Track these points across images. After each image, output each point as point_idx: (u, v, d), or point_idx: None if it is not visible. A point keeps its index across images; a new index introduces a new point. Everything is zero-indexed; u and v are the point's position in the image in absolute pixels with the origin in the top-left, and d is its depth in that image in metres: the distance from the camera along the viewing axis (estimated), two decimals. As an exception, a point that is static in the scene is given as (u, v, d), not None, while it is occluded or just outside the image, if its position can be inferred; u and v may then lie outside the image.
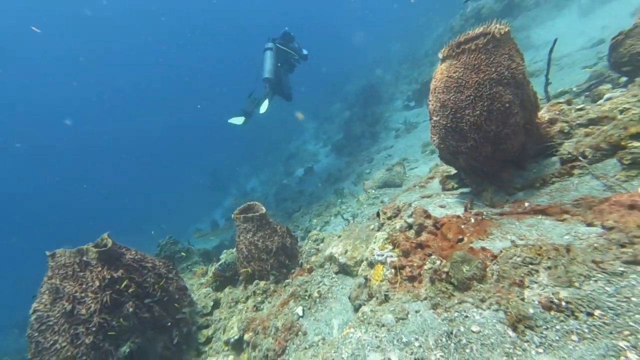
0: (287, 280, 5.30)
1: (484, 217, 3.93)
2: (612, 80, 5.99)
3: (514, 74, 3.40)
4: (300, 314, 4.36)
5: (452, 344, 2.49)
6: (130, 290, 4.21)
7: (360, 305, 3.93)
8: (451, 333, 2.58)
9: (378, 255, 4.02)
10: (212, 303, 5.51)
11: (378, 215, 4.78)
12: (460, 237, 3.74)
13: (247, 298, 5.34)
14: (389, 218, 5.06)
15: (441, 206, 4.85)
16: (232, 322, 4.65)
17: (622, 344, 1.86)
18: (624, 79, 5.91)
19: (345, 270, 4.80)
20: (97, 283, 4.02)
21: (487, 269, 2.98)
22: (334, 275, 4.89)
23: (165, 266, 5.37)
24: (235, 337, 4.38)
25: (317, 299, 4.50)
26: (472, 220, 3.98)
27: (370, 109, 22.48)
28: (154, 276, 4.76)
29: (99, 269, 4.18)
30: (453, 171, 5.41)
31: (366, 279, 4.08)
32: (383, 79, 28.01)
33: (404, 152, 14.89)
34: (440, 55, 3.81)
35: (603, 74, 6.39)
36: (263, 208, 5.96)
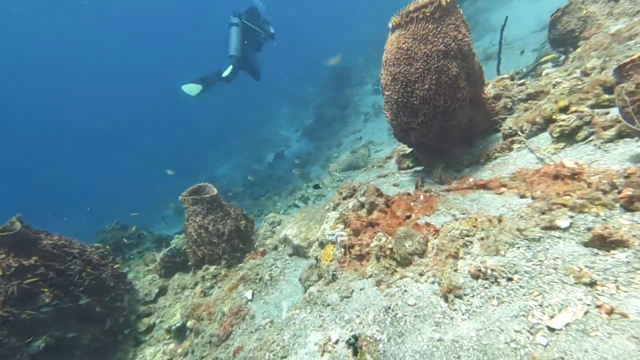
0: (240, 265, 5.18)
1: (432, 194, 3.98)
2: (553, 59, 6.21)
3: (460, 45, 3.38)
4: (250, 297, 4.27)
5: (389, 318, 2.50)
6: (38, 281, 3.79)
7: (310, 287, 3.90)
8: (389, 308, 2.59)
9: (329, 235, 3.98)
10: (157, 290, 5.25)
11: (316, 187, 4.73)
12: (409, 214, 3.77)
13: (196, 284, 5.16)
14: (345, 198, 5.03)
15: (395, 185, 4.88)
16: (175, 309, 4.48)
17: (531, 303, 1.92)
18: (563, 57, 6.13)
19: (298, 252, 4.75)
20: (-1, 272, 3.64)
21: (429, 244, 3.02)
22: (287, 258, 4.82)
23: (97, 252, 5.03)
24: (178, 325, 4.22)
25: (268, 282, 4.42)
26: (421, 197, 4.03)
27: (341, 92, 22.31)
28: (81, 263, 4.41)
29: (3, 256, 3.79)
30: (408, 150, 5.45)
31: (317, 259, 4.05)
32: (355, 62, 27.77)
33: (371, 135, 14.99)
34: (390, 25, 3.71)
35: (548, 54, 6.63)
36: (214, 189, 5.71)
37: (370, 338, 2.38)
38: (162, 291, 5.36)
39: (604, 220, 2.15)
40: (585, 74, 3.73)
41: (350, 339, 2.47)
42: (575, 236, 2.17)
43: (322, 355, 2.56)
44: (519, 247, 2.34)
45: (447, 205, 3.61)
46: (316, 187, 5.36)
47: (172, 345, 4.09)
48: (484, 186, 3.60)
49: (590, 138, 3.26)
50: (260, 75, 12.93)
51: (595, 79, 3.47)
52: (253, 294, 4.39)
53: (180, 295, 5.14)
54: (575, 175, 2.83)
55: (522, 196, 3.23)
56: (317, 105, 23.00)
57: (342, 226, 4.07)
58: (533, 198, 3.06)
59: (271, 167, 20.25)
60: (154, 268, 6.00)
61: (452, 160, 4.40)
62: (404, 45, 3.42)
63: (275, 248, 5.15)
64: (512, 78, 4.51)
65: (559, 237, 2.23)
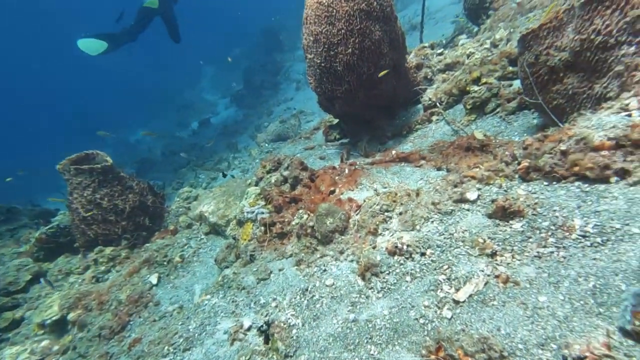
0: (146, 245, 4.57)
1: (356, 167, 3.90)
2: (468, 31, 6.52)
3: (382, 5, 3.17)
4: (154, 282, 3.79)
5: (305, 301, 2.35)
6: None
7: (227, 267, 3.60)
8: (306, 290, 2.44)
9: (248, 213, 3.66)
10: (28, 277, 4.31)
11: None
12: (333, 188, 3.63)
13: (86, 268, 4.43)
14: (269, 171, 4.70)
15: (321, 158, 4.71)
16: (52, 299, 3.73)
17: (441, 277, 1.94)
18: (476, 29, 6.47)
19: (216, 230, 4.36)
20: None
21: (350, 220, 2.91)
22: (202, 237, 4.39)
23: None
24: (55, 318, 3.51)
25: (179, 264, 3.97)
26: (346, 170, 3.92)
27: (271, 57, 21.03)
28: None
29: None
30: (335, 121, 5.28)
31: (235, 239, 3.73)
32: (285, 25, 26.23)
33: (303, 104, 14.55)
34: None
35: (463, 26, 6.93)
36: (109, 159, 4.82)
37: (284, 323, 2.22)
38: (37, 278, 4.38)
39: (505, 191, 2.24)
40: (494, 45, 3.90)
41: (262, 325, 2.28)
42: (482, 208, 2.23)
43: (231, 344, 2.33)
44: (433, 221, 2.35)
45: (371, 179, 3.57)
46: (224, 175, 4.88)
47: (45, 343, 3.37)
48: (405, 159, 3.62)
49: (497, 110, 3.43)
50: (179, 36, 11.09)
51: (502, 51, 3.62)
52: (159, 277, 3.90)
53: (64, 282, 4.30)
54: (484, 147, 2.95)
55: (439, 168, 3.31)
56: (245, 69, 21.40)
57: (263, 202, 3.78)
58: (448, 170, 3.15)
59: (196, 135, 18.56)
60: (26, 250, 4.89)
61: (377, 131, 4.35)
62: (324, 1, 3.06)
63: (190, 226, 4.65)
64: (432, 47, 4.54)
65: (468, 210, 2.27)
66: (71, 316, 3.57)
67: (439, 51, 4.34)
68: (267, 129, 10.52)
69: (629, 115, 1.94)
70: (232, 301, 2.78)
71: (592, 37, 2.29)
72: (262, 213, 3.61)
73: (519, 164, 2.33)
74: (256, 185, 4.53)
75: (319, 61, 3.40)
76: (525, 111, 3.19)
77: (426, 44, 4.47)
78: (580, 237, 1.63)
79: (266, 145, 9.85)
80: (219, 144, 13.68)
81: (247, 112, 17.30)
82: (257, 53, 23.38)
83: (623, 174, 1.79)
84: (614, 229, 1.55)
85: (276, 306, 2.49)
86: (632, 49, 2.15)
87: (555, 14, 2.54)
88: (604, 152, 1.88)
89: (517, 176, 2.31)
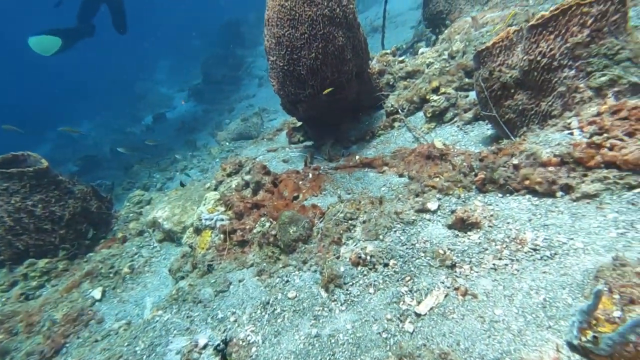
0: (89, 255, 4.15)
1: (320, 172, 3.86)
2: (427, 39, 6.78)
3: (345, 12, 3.15)
4: (98, 297, 3.44)
5: (266, 315, 2.26)
6: None
7: (182, 279, 3.37)
8: (268, 303, 2.34)
9: (206, 220, 3.46)
10: None
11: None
12: (297, 194, 3.56)
13: (12, 284, 3.94)
14: (229, 175, 4.50)
15: (284, 161, 4.60)
16: None
17: (403, 289, 1.96)
18: (433, 38, 6.75)
19: (171, 237, 4.07)
20: None
21: (314, 228, 2.86)
22: (156, 245, 4.08)
23: None
24: None
25: (128, 276, 3.65)
26: (310, 175, 3.87)
27: (232, 51, 20.31)
28: None
29: None
30: (299, 123, 5.20)
31: (192, 247, 3.51)
32: (246, 19, 25.48)
33: (266, 102, 14.24)
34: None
35: (422, 33, 7.20)
36: (43, 161, 4.30)
37: (243, 341, 2.11)
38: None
39: (464, 202, 2.32)
40: (452, 56, 4.07)
41: (219, 344, 2.14)
42: (442, 218, 2.29)
43: (185, 367, 2.17)
44: (396, 231, 2.37)
45: (334, 185, 3.54)
46: (182, 185, 4.58)
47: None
48: (369, 164, 3.64)
49: (455, 119, 3.58)
50: (126, 26, 10.01)
51: (458, 63, 3.79)
52: (104, 292, 3.55)
53: None
54: (443, 156, 3.06)
55: (401, 175, 3.38)
56: (204, 62, 20.45)
57: (222, 209, 3.59)
58: (409, 177, 3.22)
59: (150, 131, 17.38)
60: None
61: (340, 135, 4.35)
62: (287, 4, 2.97)
63: (141, 233, 4.30)
64: (394, 54, 4.64)
65: (429, 220, 2.32)
66: (-9, 342, 3.11)
67: (401, 58, 4.44)
68: (228, 127, 10.13)
69: (571, 134, 2.10)
70: (187, 316, 2.60)
71: (539, 58, 2.45)
72: (222, 220, 3.43)
73: (475, 175, 2.42)
74: (215, 189, 4.30)
75: (281, 64, 3.29)
76: (480, 122, 3.36)
77: (388, 51, 4.55)
78: (531, 250, 1.72)
79: (227, 144, 9.48)
80: (177, 141, 12.93)
81: (206, 108, 16.56)
82: (217, 46, 22.48)
83: (567, 189, 1.93)
84: (561, 242, 1.66)
85: (235, 321, 2.36)
86: (572, 72, 2.33)
87: (507, 34, 2.68)
88: (551, 168, 2.01)
89: (474, 187, 2.40)
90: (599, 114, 2.07)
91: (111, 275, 3.69)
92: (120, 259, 3.90)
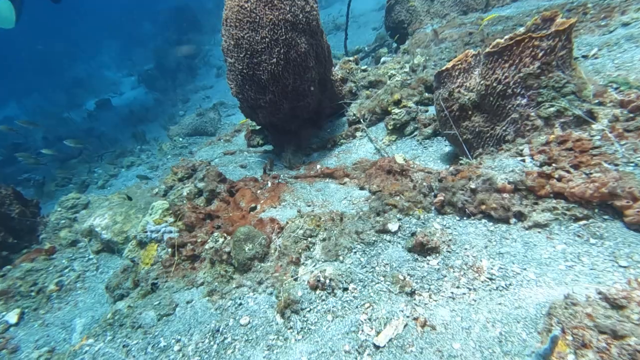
0: (6, 267, 3.56)
1: (280, 180, 3.70)
2: (389, 45, 6.89)
3: (308, 19, 3.01)
4: (13, 321, 2.96)
5: (215, 345, 2.07)
6: None
7: (121, 296, 3.03)
8: (217, 331, 2.16)
9: (152, 232, 3.13)
10: None
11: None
12: (254, 205, 3.36)
13: None
14: (181, 179, 4.15)
15: (242, 166, 4.35)
16: None
17: (362, 317, 1.91)
18: (394, 43, 6.87)
19: (111, 248, 3.65)
20: None
21: (272, 245, 2.70)
22: (92, 256, 3.63)
23: None
24: None
25: (54, 294, 3.19)
26: (269, 183, 3.69)
27: (188, 37, 19.11)
28: None
29: None
30: (259, 126, 4.97)
31: (134, 261, 3.16)
32: (203, 5, 24.04)
33: (224, 94, 13.60)
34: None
35: (384, 37, 7.30)
36: None
37: (190, 378, 1.91)
38: None
39: (423, 223, 2.33)
40: (413, 69, 4.14)
41: (163, 383, 1.92)
42: (402, 240, 2.27)
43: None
44: (356, 252, 2.31)
45: (295, 195, 3.41)
46: (129, 199, 4.11)
47: None
48: (330, 175, 3.57)
49: (415, 133, 3.63)
50: None
51: (419, 77, 3.85)
52: (22, 314, 3.08)
53: None
54: (403, 172, 3.07)
55: (362, 188, 3.34)
56: (156, 48, 18.98)
57: (171, 219, 3.28)
58: (370, 191, 3.20)
59: (92, 119, 15.74)
60: None
61: (301, 142, 4.22)
62: (246, 5, 2.76)
63: (74, 243, 3.80)
64: (356, 62, 4.60)
65: (389, 241, 2.29)
66: None
67: (363, 67, 4.42)
68: (181, 121, 9.45)
69: (523, 161, 2.18)
70: (123, 345, 2.32)
71: (494, 84, 2.53)
72: (170, 232, 3.13)
73: (435, 196, 2.44)
74: (165, 195, 3.95)
75: (240, 67, 3.07)
76: (438, 137, 3.43)
77: (351, 59, 4.51)
78: (488, 280, 1.75)
79: (180, 139, 8.84)
80: (123, 132, 11.83)
81: (158, 97, 15.40)
82: (170, 31, 21.01)
83: (520, 216, 2.00)
84: (515, 272, 1.71)
85: (179, 351, 2.14)
86: (525, 100, 2.44)
87: (465, 56, 2.74)
88: (505, 195, 2.07)
89: (433, 208, 2.42)
90: (547, 143, 2.18)
91: (32, 294, 3.20)
92: (45, 274, 3.40)
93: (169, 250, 3.02)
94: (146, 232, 3.14)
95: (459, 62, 2.73)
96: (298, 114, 3.74)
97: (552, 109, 2.32)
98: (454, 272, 1.90)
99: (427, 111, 3.62)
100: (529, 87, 2.41)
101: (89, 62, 25.39)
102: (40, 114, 19.79)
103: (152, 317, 2.47)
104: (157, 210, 3.32)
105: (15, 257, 3.83)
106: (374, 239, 2.35)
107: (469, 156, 2.78)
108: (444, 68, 2.78)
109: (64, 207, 4.28)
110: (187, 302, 2.54)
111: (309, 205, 3.26)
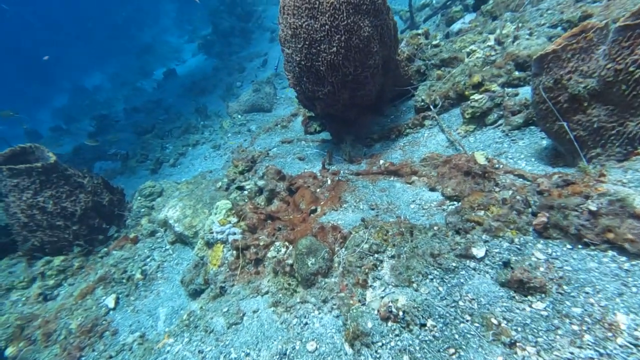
0: (103, 250, 4.04)
1: (340, 177, 3.46)
2: (464, 4, 5.77)
3: (374, -4, 2.52)
4: (112, 305, 3.36)
5: (285, 370, 2.06)
6: None
7: (195, 291, 3.22)
8: (285, 354, 2.13)
9: (217, 233, 3.20)
10: None
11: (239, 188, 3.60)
12: (314, 207, 3.21)
13: (32, 281, 3.83)
14: (242, 172, 4.16)
15: (300, 158, 4.17)
16: None
17: (447, 366, 1.67)
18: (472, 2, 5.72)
19: (183, 240, 3.89)
20: None
21: (335, 257, 2.56)
22: (168, 247, 3.91)
23: None
24: None
25: (141, 282, 3.53)
26: (329, 181, 3.48)
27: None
28: None
29: None
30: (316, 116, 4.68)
31: (203, 260, 3.31)
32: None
33: (279, 62, 13.32)
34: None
35: None
36: (51, 155, 4.05)
37: (262, 402, 1.93)
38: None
39: (519, 249, 1.94)
40: (499, 42, 3.37)
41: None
42: (491, 269, 1.93)
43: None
44: (432, 279, 2.04)
45: (356, 196, 3.17)
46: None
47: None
48: (395, 172, 3.22)
49: (500, 122, 3.04)
50: None
51: (508, 53, 3.13)
52: (117, 299, 3.47)
53: (3, 300, 3.67)
54: (486, 174, 2.60)
55: (433, 189, 2.96)
56: (212, 10, 18.90)
57: (234, 219, 3.31)
58: (444, 195, 2.81)
59: (161, 90, 16.76)
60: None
61: (361, 131, 3.86)
62: (306, -13, 2.37)
63: (153, 234, 4.13)
64: (426, 35, 3.91)
65: (474, 269, 1.97)
66: (10, 351, 3.12)
67: (435, 42, 3.73)
68: (239, 98, 9.53)
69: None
70: (199, 351, 2.45)
71: (631, 69, 1.88)
72: (234, 234, 3.17)
73: (534, 215, 2.01)
74: (227, 189, 4.01)
75: (298, 59, 2.76)
76: (532, 128, 2.82)
77: (420, 32, 3.83)
78: (629, 345, 1.36)
79: (239, 117, 8.98)
80: (187, 104, 12.41)
81: (216, 65, 15.64)
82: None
83: (667, 263, 1.51)
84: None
85: (250, 365, 2.19)
86: (683, 88, 1.77)
87: (582, 31, 2.07)
88: (645, 228, 1.57)
89: (531, 230, 2.00)
90: None
91: (124, 280, 3.59)
92: (132, 262, 3.77)
93: (234, 252, 3.07)
94: (212, 232, 3.23)
95: (572, 40, 2.09)
96: (358, 102, 3.37)
97: None
98: (571, 324, 1.54)
99: (517, 95, 2.97)
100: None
101: (151, 26, 26.46)
102: (120, 81, 21.65)
103: (222, 324, 2.56)
104: (221, 210, 3.38)
105: (108, 241, 4.32)
106: (454, 264, 2.05)
107: (583, 158, 2.21)
108: (549, 50, 2.16)
109: (142, 195, 4.66)
110: (254, 312, 2.58)
111: (373, 209, 3.01)
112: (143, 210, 4.54)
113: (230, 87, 13.15)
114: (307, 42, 2.62)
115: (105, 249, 4.26)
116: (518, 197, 2.14)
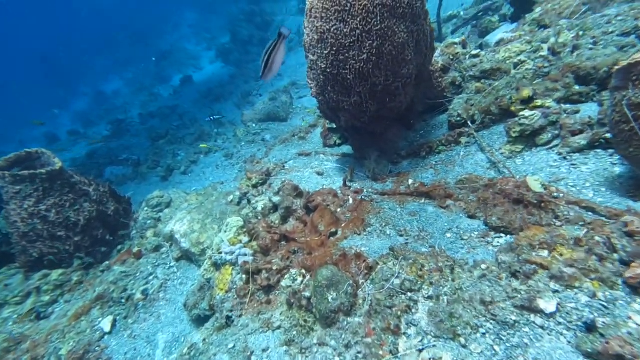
0: (105, 263, 3.77)
1: (363, 196, 3.11)
2: (497, 9, 5.40)
3: (411, 0, 2.20)
4: (107, 329, 3.04)
5: None
6: None
7: (198, 317, 2.89)
8: (299, 415, 1.77)
9: (227, 254, 2.88)
10: None
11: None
12: (334, 229, 2.86)
13: (26, 296, 3.57)
14: (255, 186, 3.86)
15: (319, 173, 3.84)
16: None
17: None
18: (507, 7, 5.32)
19: (189, 257, 3.58)
20: None
21: (359, 292, 2.20)
22: (173, 263, 3.61)
23: None
24: None
25: (141, 303, 3.22)
26: (350, 200, 3.14)
27: (260, 7, 18.83)
28: None
29: None
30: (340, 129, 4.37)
31: (209, 282, 2.98)
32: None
33: (294, 71, 13.20)
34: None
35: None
36: (57, 160, 3.85)
37: None
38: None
39: (605, 307, 1.54)
40: (554, 52, 2.99)
41: None
42: (567, 330, 1.54)
43: None
44: (485, 334, 1.65)
45: (382, 219, 2.81)
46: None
47: None
48: (427, 194, 2.85)
49: (555, 143, 2.65)
50: None
51: (566, 64, 2.75)
52: (114, 322, 3.16)
53: None
54: (543, 204, 2.21)
55: (472, 216, 2.57)
56: (231, 19, 19.15)
57: (246, 238, 3.00)
58: (486, 224, 2.43)
59: (177, 96, 16.92)
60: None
61: (387, 146, 3.51)
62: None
63: (157, 249, 3.84)
64: (464, 45, 3.57)
65: (543, 328, 1.57)
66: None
67: (475, 52, 3.38)
68: (254, 107, 9.36)
69: None
70: (199, 398, 2.11)
71: None
72: (245, 255, 2.84)
73: (624, 263, 1.61)
74: (239, 203, 3.71)
75: (323, 66, 2.47)
76: (597, 151, 2.42)
77: (457, 41, 3.49)
78: None
79: (253, 125, 8.77)
80: (203, 110, 12.38)
81: (233, 73, 15.71)
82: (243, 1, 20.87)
83: None
84: None
85: None
86: None
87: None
88: None
89: (620, 282, 1.59)
90: None
91: (123, 301, 3.30)
92: (133, 280, 3.48)
93: (244, 276, 2.74)
94: (221, 253, 2.91)
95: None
96: (386, 115, 3.04)
97: None
98: None
99: (577, 112, 2.58)
100: None
101: (170, 34, 27.05)
102: (137, 86, 22.04)
103: (227, 363, 2.22)
104: (231, 227, 3.07)
105: (111, 254, 4.06)
106: (513, 317, 1.66)
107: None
108: (637, 59, 1.79)
109: (149, 205, 4.41)
110: (263, 350, 2.23)
111: (401, 235, 2.64)
112: (149, 222, 4.27)
113: (246, 94, 13.08)
114: (334, 48, 2.33)
115: (107, 263, 4.01)
116: (597, 239, 1.74)
